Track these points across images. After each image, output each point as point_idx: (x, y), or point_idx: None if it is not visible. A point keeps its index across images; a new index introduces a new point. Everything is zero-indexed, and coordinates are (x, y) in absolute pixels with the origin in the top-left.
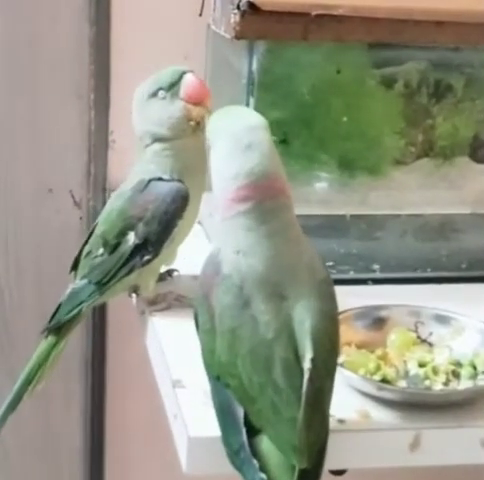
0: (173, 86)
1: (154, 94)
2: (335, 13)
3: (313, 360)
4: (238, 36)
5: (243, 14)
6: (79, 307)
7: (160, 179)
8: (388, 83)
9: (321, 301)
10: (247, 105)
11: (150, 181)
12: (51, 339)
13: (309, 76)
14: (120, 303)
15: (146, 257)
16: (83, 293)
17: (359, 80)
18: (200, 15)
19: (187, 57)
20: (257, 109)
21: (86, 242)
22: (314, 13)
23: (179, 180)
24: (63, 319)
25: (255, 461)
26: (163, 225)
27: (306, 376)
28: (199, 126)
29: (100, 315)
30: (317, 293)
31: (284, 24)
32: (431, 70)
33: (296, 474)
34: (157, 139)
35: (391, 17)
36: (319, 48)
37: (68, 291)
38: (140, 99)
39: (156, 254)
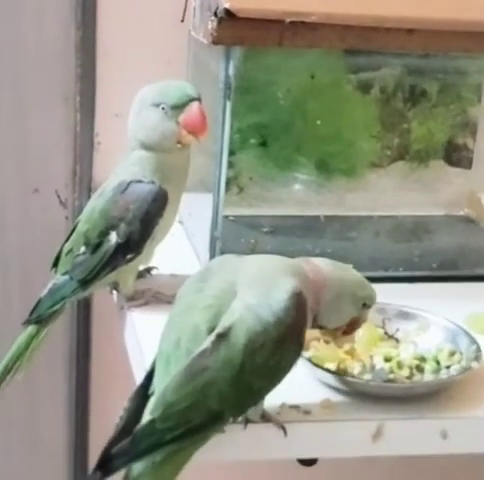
0: (177, 108)
1: (157, 105)
2: (308, 20)
3: (219, 337)
4: (215, 41)
5: (220, 21)
6: (62, 302)
7: (140, 181)
8: (364, 88)
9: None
10: (224, 109)
11: (130, 183)
12: (32, 329)
13: (286, 81)
14: (104, 296)
15: (128, 256)
16: (65, 289)
17: (336, 85)
18: (182, 21)
19: (170, 61)
20: (234, 113)
21: (67, 239)
22: (288, 20)
23: (160, 186)
24: (45, 313)
25: None
26: (144, 224)
27: (202, 346)
28: (186, 146)
29: (84, 308)
30: (269, 308)
31: (259, 31)
32: (406, 76)
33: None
34: (144, 147)
35: (363, 25)
36: (295, 54)
37: (49, 286)
38: (142, 103)
39: (138, 253)
